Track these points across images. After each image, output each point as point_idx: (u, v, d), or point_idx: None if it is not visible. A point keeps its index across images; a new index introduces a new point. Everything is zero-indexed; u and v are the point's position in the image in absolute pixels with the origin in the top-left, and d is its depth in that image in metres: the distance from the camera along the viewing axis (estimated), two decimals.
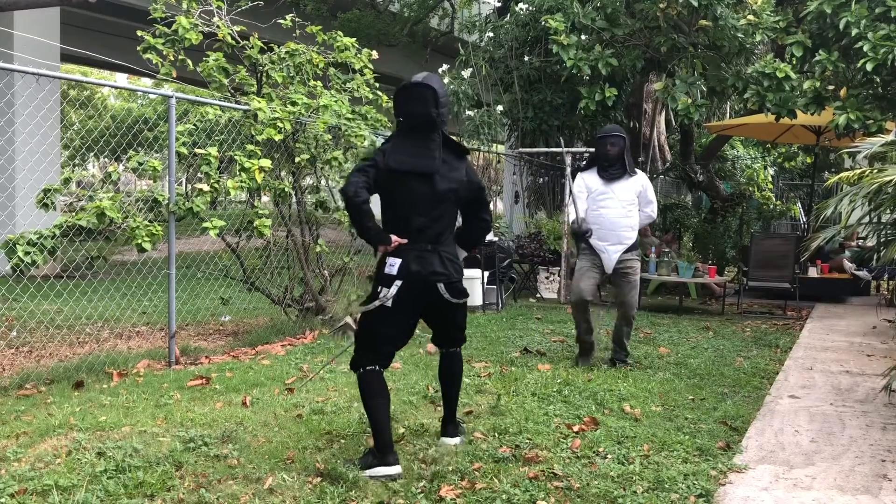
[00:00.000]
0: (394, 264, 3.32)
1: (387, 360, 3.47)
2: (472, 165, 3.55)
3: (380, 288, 3.35)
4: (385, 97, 7.28)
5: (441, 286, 3.37)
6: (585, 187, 5.56)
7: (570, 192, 5.85)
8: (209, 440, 3.64)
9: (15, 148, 9.89)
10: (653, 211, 5.66)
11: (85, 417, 4.02)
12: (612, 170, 5.47)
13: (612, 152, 5.44)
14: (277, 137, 6.00)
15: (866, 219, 5.03)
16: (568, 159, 9.82)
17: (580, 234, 5.51)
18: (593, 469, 3.41)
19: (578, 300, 5.50)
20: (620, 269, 5.52)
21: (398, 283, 3.30)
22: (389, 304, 3.31)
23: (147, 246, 5.14)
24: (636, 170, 5.63)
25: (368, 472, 3.26)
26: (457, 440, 3.71)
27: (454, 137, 3.50)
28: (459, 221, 3.68)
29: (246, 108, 6.07)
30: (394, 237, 3.33)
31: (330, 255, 7.12)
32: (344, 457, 3.49)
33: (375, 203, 3.39)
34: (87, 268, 6.56)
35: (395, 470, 3.26)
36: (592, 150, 10.04)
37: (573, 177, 5.99)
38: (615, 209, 5.43)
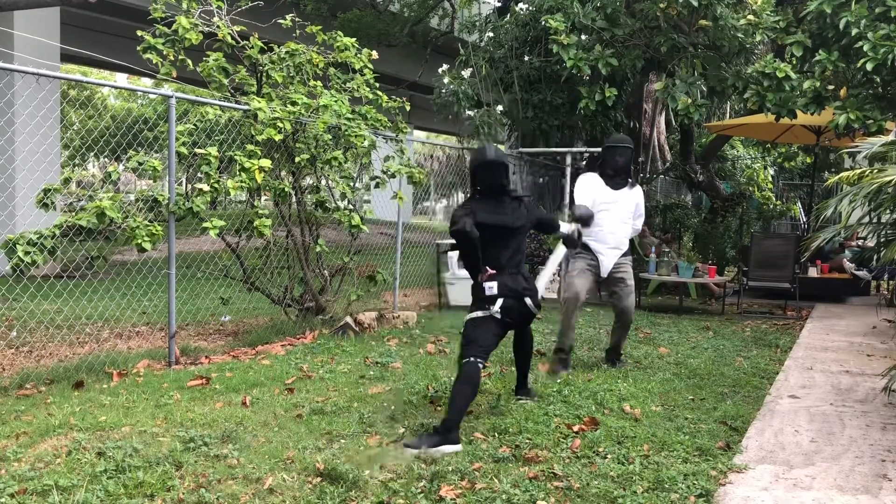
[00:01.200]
0: (492, 287, 4.13)
1: (484, 356, 4.11)
2: (531, 203, 4.46)
3: (487, 305, 4.13)
4: (385, 97, 7.28)
5: (528, 300, 4.24)
6: (589, 191, 5.55)
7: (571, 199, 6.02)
8: (209, 440, 3.64)
9: (15, 148, 9.89)
10: (639, 225, 5.86)
11: (85, 417, 4.02)
12: (617, 178, 5.59)
13: (620, 162, 5.58)
14: (277, 137, 6.00)
15: (866, 219, 5.02)
16: (568, 159, 9.82)
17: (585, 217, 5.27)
18: (593, 469, 3.41)
19: (574, 298, 5.50)
20: (616, 273, 5.57)
21: (501, 299, 4.13)
22: (499, 315, 4.13)
23: (147, 246, 5.14)
24: (635, 183, 5.78)
25: (433, 450, 3.59)
26: (525, 400, 4.54)
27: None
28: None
29: (246, 108, 6.07)
30: (486, 267, 4.18)
31: (330, 255, 7.12)
32: (344, 457, 3.49)
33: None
34: (87, 268, 6.55)
35: (458, 448, 3.66)
36: (593, 150, 10.12)
37: (576, 176, 6.05)
38: (617, 215, 5.54)
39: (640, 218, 5.79)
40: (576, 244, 4.93)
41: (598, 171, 5.67)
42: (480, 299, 4.22)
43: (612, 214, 5.52)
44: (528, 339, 4.64)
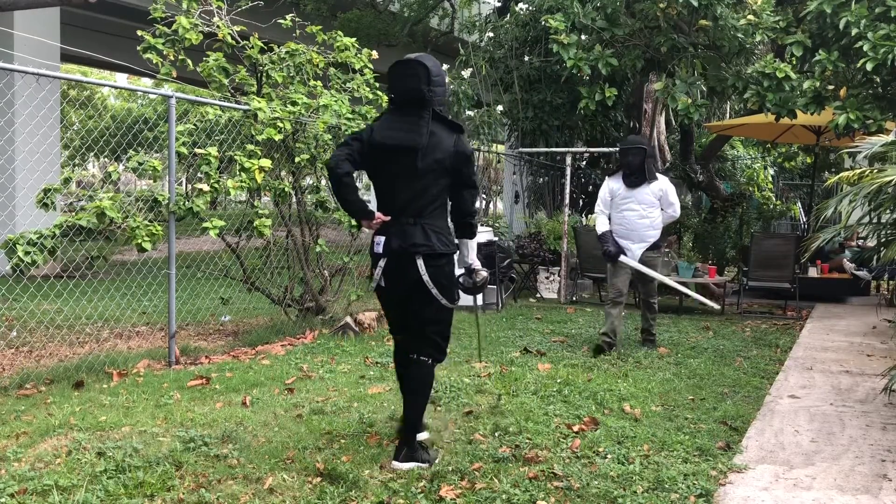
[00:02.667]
0: (379, 242, 3.31)
1: (398, 353, 3.50)
2: (465, 140, 3.44)
3: (373, 269, 3.33)
4: (385, 97, 7.28)
5: (420, 262, 3.25)
6: (609, 192, 6.15)
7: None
8: (209, 440, 3.64)
9: (15, 148, 9.88)
10: (675, 211, 6.22)
11: (85, 417, 4.02)
12: (633, 177, 6.07)
13: (633, 162, 6.03)
14: (277, 137, 6.00)
15: (866, 219, 5.02)
16: (568, 159, 9.82)
17: (611, 257, 6.07)
18: (593, 469, 3.41)
19: (618, 295, 6.08)
20: (644, 263, 6.10)
21: (382, 262, 3.30)
22: (383, 283, 3.31)
23: (147, 246, 5.14)
24: (658, 175, 6.18)
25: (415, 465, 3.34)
26: (406, 465, 3.36)
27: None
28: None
29: (246, 108, 6.07)
30: (378, 214, 3.31)
31: (330, 255, 7.12)
32: (344, 457, 3.49)
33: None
34: (87, 268, 6.55)
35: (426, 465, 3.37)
36: (593, 150, 10.13)
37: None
38: (636, 212, 6.06)
39: (672, 206, 6.16)
40: (473, 285, 3.55)
41: (620, 171, 6.19)
42: (372, 260, 3.38)
43: (632, 211, 6.05)
44: (424, 370, 3.43)
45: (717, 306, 7.23)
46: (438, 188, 3.36)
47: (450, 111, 10.36)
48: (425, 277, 3.27)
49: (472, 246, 3.51)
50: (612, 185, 6.18)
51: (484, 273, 3.49)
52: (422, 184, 3.30)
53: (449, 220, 3.47)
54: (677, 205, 6.24)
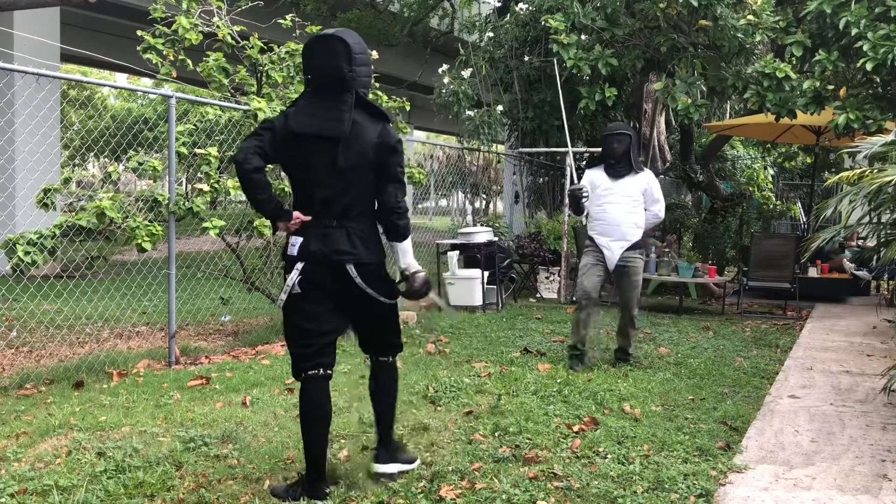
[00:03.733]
0: (295, 244, 2.93)
1: (325, 359, 2.99)
2: (391, 129, 3.03)
3: (287, 275, 2.96)
4: (385, 97, 7.28)
5: (351, 268, 2.92)
6: (590, 184, 5.56)
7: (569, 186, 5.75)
8: (209, 440, 3.64)
9: (15, 148, 9.88)
10: (660, 210, 5.65)
11: (85, 417, 4.02)
12: (617, 167, 5.50)
13: (617, 150, 5.47)
14: None
15: (866, 219, 5.03)
16: (568, 159, 9.81)
17: (576, 197, 5.43)
18: (593, 469, 3.41)
19: (584, 297, 5.47)
20: (623, 266, 5.50)
21: (299, 265, 2.91)
22: (298, 290, 2.92)
23: (147, 246, 5.14)
24: (643, 167, 5.64)
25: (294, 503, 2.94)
26: (390, 468, 3.21)
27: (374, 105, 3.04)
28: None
29: (246, 108, 6.07)
30: (296, 213, 2.94)
31: None
32: (344, 457, 3.49)
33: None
34: (87, 268, 6.56)
35: (323, 500, 2.97)
36: (593, 150, 10.11)
37: (579, 176, 5.98)
38: (619, 205, 5.45)
39: (657, 203, 5.60)
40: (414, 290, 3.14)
41: (602, 162, 5.63)
42: (285, 263, 2.99)
43: (614, 205, 5.44)
44: (382, 373, 3.23)
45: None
46: (364, 185, 2.97)
47: (449, 112, 10.36)
48: (359, 281, 2.94)
49: (403, 248, 3.07)
50: (592, 177, 5.56)
51: (422, 274, 3.09)
52: (345, 179, 2.91)
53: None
54: (663, 202, 5.67)
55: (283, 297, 2.98)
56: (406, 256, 3.09)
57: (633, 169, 5.51)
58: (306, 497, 2.97)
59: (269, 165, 3.08)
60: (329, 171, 2.90)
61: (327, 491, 3.02)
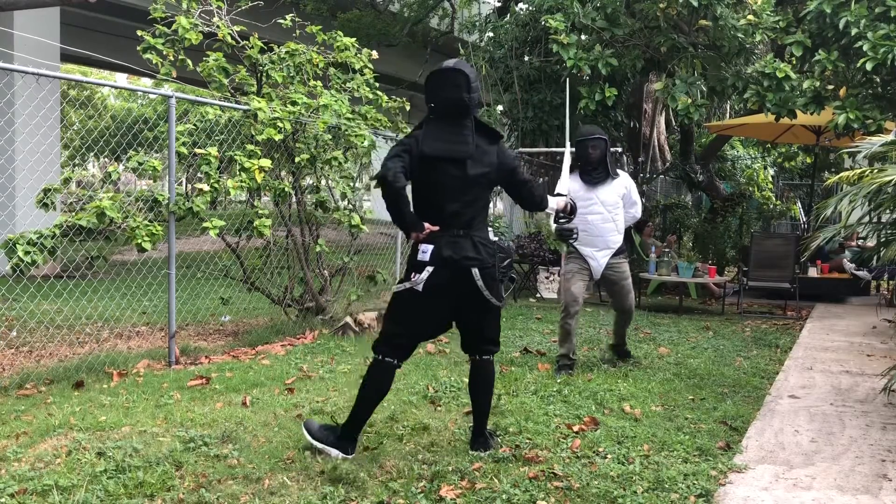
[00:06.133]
0: (426, 251, 3.31)
1: (405, 354, 3.49)
2: (505, 147, 3.53)
3: (413, 273, 3.34)
4: (385, 97, 7.28)
5: (475, 271, 3.32)
6: (567, 192, 5.33)
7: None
8: (209, 440, 3.64)
9: (15, 148, 9.88)
10: (637, 212, 5.56)
11: (85, 417, 4.02)
12: (594, 174, 5.33)
13: (593, 156, 5.28)
14: (277, 137, 6.00)
15: (866, 219, 5.03)
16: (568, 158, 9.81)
17: (566, 235, 5.02)
18: (593, 469, 3.41)
19: (573, 303, 5.37)
20: (611, 274, 5.45)
21: (430, 268, 3.29)
22: (420, 287, 3.29)
23: (147, 246, 5.14)
24: (618, 171, 5.51)
25: (319, 445, 3.43)
26: (485, 454, 3.57)
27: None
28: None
29: (246, 108, 6.07)
30: (426, 224, 3.32)
31: (330, 255, 7.12)
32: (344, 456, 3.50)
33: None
34: (87, 268, 6.55)
35: (348, 457, 3.43)
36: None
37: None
38: (600, 214, 5.32)
39: (635, 205, 5.50)
40: (570, 218, 4.01)
41: (578, 170, 5.41)
42: (412, 266, 3.38)
43: (596, 215, 5.31)
44: (485, 371, 3.60)
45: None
46: (484, 199, 3.47)
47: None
48: (480, 284, 3.34)
49: (552, 208, 3.79)
50: (570, 187, 5.24)
51: (565, 201, 3.86)
52: (470, 195, 3.36)
53: (490, 230, 3.56)
54: (640, 204, 5.57)
55: (403, 286, 3.36)
56: (554, 204, 3.81)
57: (609, 175, 5.34)
58: (335, 447, 3.43)
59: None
60: (456, 187, 3.33)
61: (352, 454, 3.45)
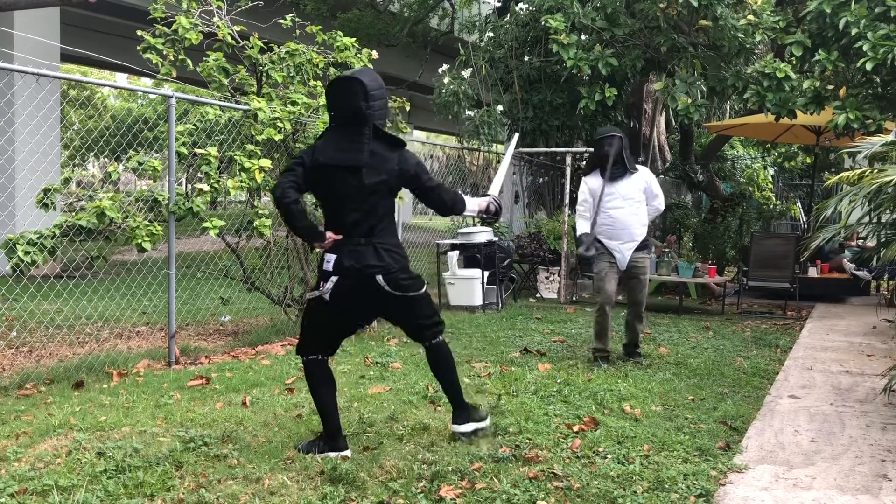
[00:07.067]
0: (329, 260, 3.37)
1: (328, 350, 3.59)
2: (408, 154, 3.49)
3: (321, 283, 3.42)
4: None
5: (380, 278, 3.36)
6: (590, 191, 5.64)
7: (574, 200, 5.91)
8: (209, 440, 3.64)
9: (15, 148, 9.89)
10: (660, 203, 5.76)
11: (85, 417, 4.02)
12: (613, 169, 5.54)
13: (610, 153, 5.51)
14: (277, 137, 6.00)
15: (866, 219, 5.03)
16: (568, 159, 9.81)
17: (587, 258, 5.65)
18: (593, 469, 3.41)
19: (607, 301, 5.60)
20: (633, 267, 5.65)
21: (334, 278, 3.36)
22: (327, 297, 3.38)
23: (147, 246, 5.15)
24: (637, 166, 5.72)
25: (318, 455, 3.44)
26: (466, 427, 3.69)
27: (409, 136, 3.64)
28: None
29: (246, 108, 6.07)
30: (329, 234, 3.39)
31: None
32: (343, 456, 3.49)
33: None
34: (87, 268, 6.56)
35: (345, 453, 3.47)
36: (592, 149, 10.10)
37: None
38: (623, 208, 5.54)
39: (657, 197, 5.71)
40: (494, 219, 4.00)
41: (596, 167, 5.68)
42: (320, 275, 3.46)
43: (618, 209, 5.53)
44: (438, 353, 3.65)
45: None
46: (386, 207, 3.45)
47: (449, 112, 10.35)
48: (387, 289, 3.39)
49: (470, 210, 3.71)
50: (590, 185, 5.61)
51: (487, 202, 3.75)
52: (369, 203, 3.37)
53: (398, 235, 3.67)
54: (662, 196, 5.79)
55: (312, 295, 3.46)
56: (474, 205, 3.71)
57: (628, 170, 5.57)
58: (329, 450, 3.45)
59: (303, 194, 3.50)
60: (354, 196, 3.35)
61: (347, 449, 3.50)
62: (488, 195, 3.83)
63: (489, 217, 3.84)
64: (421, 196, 3.59)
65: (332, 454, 3.45)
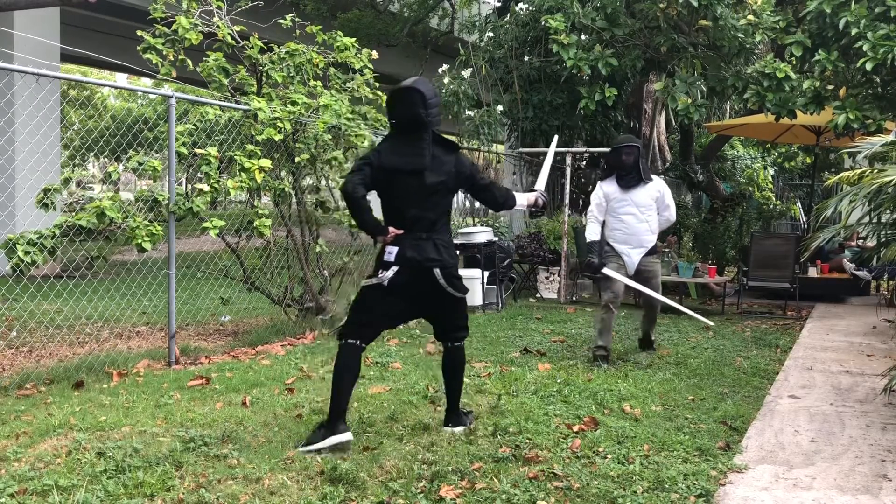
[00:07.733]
0: (392, 252, 3.59)
1: (369, 337, 3.76)
2: (463, 156, 3.79)
3: (380, 270, 3.62)
4: (385, 96, 7.28)
5: (437, 271, 3.61)
6: (604, 196, 5.83)
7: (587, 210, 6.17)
8: (209, 440, 3.64)
9: (15, 148, 9.89)
10: (671, 214, 5.95)
11: (85, 417, 4.02)
12: (628, 178, 5.75)
13: (626, 162, 5.71)
14: (277, 137, 6.00)
15: (866, 219, 5.03)
16: (568, 159, 9.81)
17: (593, 269, 5.81)
18: (593, 469, 3.41)
19: (614, 299, 5.73)
20: (643, 271, 5.81)
21: (395, 267, 3.58)
22: (385, 283, 3.59)
23: (147, 246, 5.14)
24: (652, 176, 5.90)
25: (320, 445, 3.51)
26: (457, 429, 3.87)
27: (451, 137, 3.80)
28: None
29: (246, 108, 6.07)
30: (391, 228, 3.61)
31: (330, 255, 7.12)
32: (343, 456, 3.49)
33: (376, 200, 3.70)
34: (87, 268, 6.55)
35: (345, 437, 3.54)
36: (593, 150, 10.12)
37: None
38: (634, 215, 5.74)
39: (668, 209, 5.89)
40: (542, 212, 4.35)
41: (612, 174, 5.88)
42: (379, 265, 3.68)
43: (630, 215, 5.74)
44: (455, 356, 3.90)
45: (710, 323, 6.68)
46: (444, 205, 3.74)
47: (450, 112, 10.37)
48: (442, 282, 3.64)
49: (520, 205, 3.98)
50: (606, 189, 5.82)
51: (535, 196, 4.07)
52: (429, 201, 3.63)
53: (452, 234, 3.87)
54: (674, 208, 5.98)
55: (371, 281, 3.65)
56: (523, 200, 4.01)
57: (642, 179, 5.76)
58: (330, 434, 3.52)
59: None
60: (416, 195, 3.61)
61: (347, 430, 3.59)
62: (535, 190, 4.13)
63: (537, 210, 4.14)
64: (476, 194, 3.91)
65: (333, 439, 3.51)
